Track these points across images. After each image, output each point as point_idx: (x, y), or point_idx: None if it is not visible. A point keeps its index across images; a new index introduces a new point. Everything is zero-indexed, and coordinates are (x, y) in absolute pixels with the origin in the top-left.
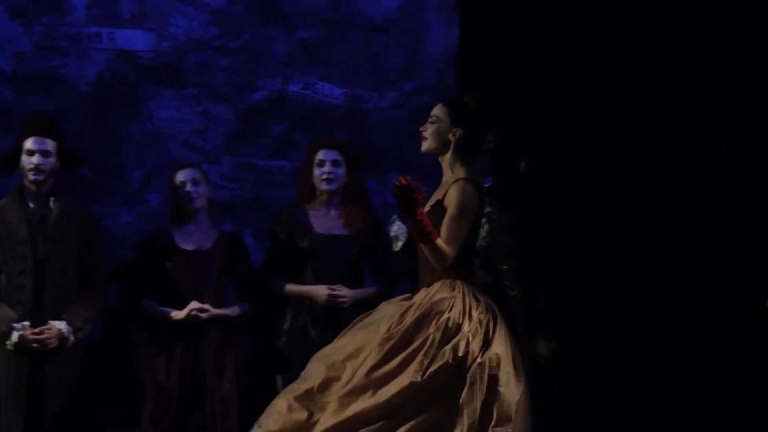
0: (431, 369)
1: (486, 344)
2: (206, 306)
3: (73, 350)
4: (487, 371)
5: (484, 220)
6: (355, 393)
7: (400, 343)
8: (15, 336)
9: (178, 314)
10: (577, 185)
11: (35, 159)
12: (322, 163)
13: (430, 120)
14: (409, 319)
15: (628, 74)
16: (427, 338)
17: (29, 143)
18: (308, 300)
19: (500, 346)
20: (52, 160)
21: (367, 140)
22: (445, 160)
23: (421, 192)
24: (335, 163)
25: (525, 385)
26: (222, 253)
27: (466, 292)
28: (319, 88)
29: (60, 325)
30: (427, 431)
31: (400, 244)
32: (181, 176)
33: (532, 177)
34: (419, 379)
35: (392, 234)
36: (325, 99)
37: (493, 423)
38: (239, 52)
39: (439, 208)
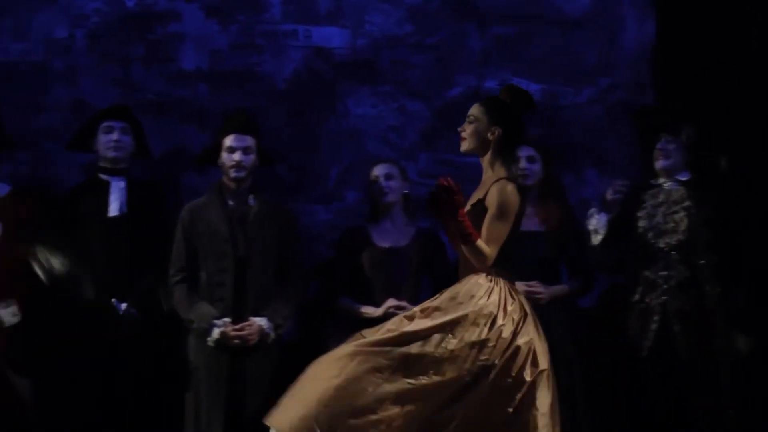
0: (453, 347)
1: (514, 337)
2: (403, 303)
3: (273, 347)
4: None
5: (683, 214)
6: (379, 344)
7: (432, 312)
8: (216, 333)
9: (375, 311)
10: None
11: (237, 156)
12: (518, 160)
13: (468, 120)
14: (445, 295)
15: None
16: (460, 316)
17: (230, 140)
18: None
19: (524, 336)
20: (252, 157)
21: (564, 136)
22: (485, 159)
23: (461, 194)
24: (530, 159)
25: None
26: (418, 250)
27: (502, 287)
28: (515, 84)
29: (261, 322)
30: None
31: (599, 237)
32: (375, 171)
33: (732, 172)
34: (437, 352)
35: (591, 228)
36: None
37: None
38: (435, 48)
39: (480, 207)
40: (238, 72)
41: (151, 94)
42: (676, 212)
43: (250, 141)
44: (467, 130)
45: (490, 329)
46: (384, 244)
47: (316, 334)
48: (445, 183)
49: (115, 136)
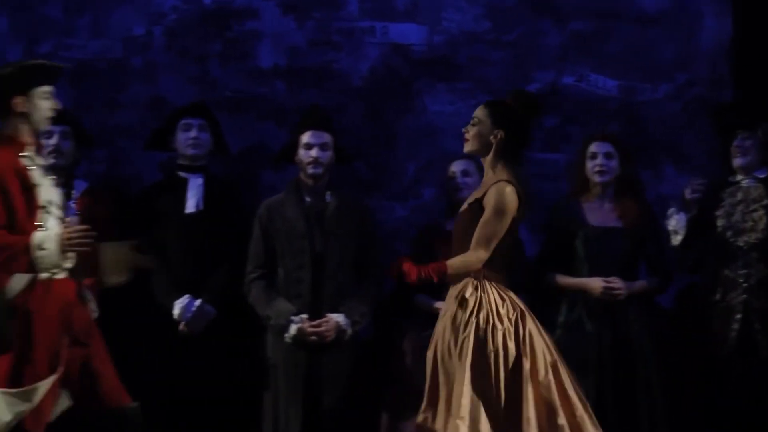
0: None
1: (519, 340)
2: None
3: (349, 344)
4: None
5: (762, 212)
6: None
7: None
8: (293, 329)
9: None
10: None
11: (314, 152)
12: (594, 156)
13: (472, 121)
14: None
15: None
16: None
17: (307, 137)
18: (583, 293)
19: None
20: (329, 153)
21: (641, 132)
22: (487, 161)
23: (407, 263)
24: (608, 156)
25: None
26: None
27: (490, 291)
28: (592, 80)
29: (338, 318)
30: None
31: (678, 238)
32: (453, 167)
33: None
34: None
35: (671, 228)
36: (598, 91)
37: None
38: (512, 45)
39: (477, 207)
40: (315, 69)
41: (228, 92)
42: (754, 210)
43: (327, 137)
44: (471, 132)
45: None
46: None
47: (392, 332)
48: (395, 271)
49: (193, 133)
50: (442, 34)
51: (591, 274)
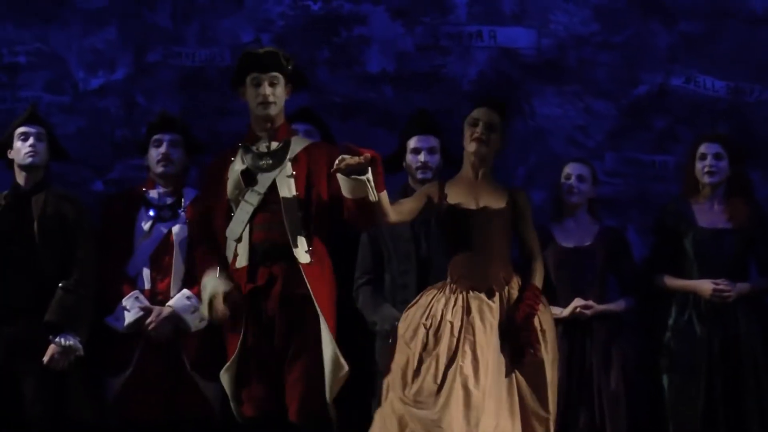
0: None
1: None
2: (590, 302)
3: None
4: None
5: None
6: None
7: None
8: None
9: (561, 312)
10: None
11: (422, 157)
12: (704, 157)
13: (485, 125)
14: None
15: None
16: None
17: (414, 141)
18: (693, 295)
19: None
20: (437, 157)
21: (751, 133)
22: (490, 167)
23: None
24: (717, 156)
25: None
26: (603, 249)
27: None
28: (701, 81)
29: None
30: None
31: None
32: (568, 169)
33: None
34: None
35: None
36: (707, 92)
37: None
38: (621, 47)
39: (509, 211)
40: (423, 74)
41: (336, 97)
42: None
43: (434, 141)
44: (491, 137)
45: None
46: (568, 243)
47: None
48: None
49: None
50: (550, 37)
51: (701, 276)
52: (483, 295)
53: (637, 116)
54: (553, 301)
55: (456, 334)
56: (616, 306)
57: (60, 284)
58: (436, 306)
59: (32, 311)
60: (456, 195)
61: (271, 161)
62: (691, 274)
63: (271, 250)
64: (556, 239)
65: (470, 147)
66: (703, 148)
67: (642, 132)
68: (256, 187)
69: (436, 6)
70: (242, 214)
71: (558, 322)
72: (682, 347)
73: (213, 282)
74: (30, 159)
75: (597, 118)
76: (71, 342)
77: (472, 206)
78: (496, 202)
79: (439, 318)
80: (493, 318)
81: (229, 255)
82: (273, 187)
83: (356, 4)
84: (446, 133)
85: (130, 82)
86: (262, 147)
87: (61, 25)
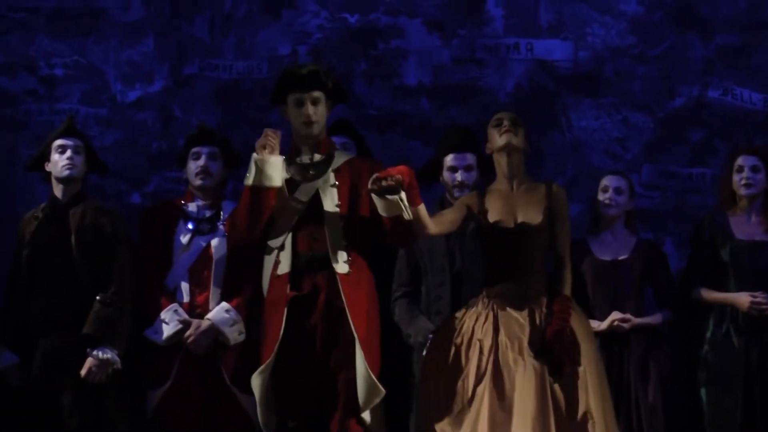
0: None
1: None
2: (628, 316)
3: None
4: None
5: None
6: None
7: None
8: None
9: (599, 326)
10: None
11: (459, 176)
12: (740, 169)
13: (516, 122)
14: None
15: None
16: None
17: (450, 160)
18: (730, 307)
19: None
20: (474, 174)
21: None
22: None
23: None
24: (754, 169)
25: None
26: (640, 262)
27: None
28: (738, 93)
29: None
30: None
31: None
32: (605, 182)
33: None
34: None
35: None
36: (744, 104)
37: None
38: (658, 59)
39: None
40: (460, 86)
41: (373, 110)
42: None
43: (470, 158)
44: (520, 133)
45: None
46: (605, 256)
47: None
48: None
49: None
50: (587, 50)
51: (738, 288)
52: (515, 312)
53: (674, 128)
54: (591, 314)
55: (486, 353)
56: (654, 319)
57: (97, 297)
58: (468, 323)
59: (70, 324)
60: (494, 211)
61: (314, 172)
62: (728, 287)
63: (313, 259)
64: (594, 252)
65: (501, 141)
66: (740, 161)
67: (679, 144)
68: (299, 196)
69: (472, 18)
70: (285, 222)
71: (596, 335)
72: (720, 360)
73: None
74: (67, 172)
75: (634, 131)
76: (109, 355)
77: (511, 224)
78: (534, 214)
79: (470, 336)
80: (523, 335)
81: (269, 261)
82: (316, 197)
83: (393, 17)
84: (483, 146)
85: (167, 94)
86: (305, 159)
87: (99, 37)
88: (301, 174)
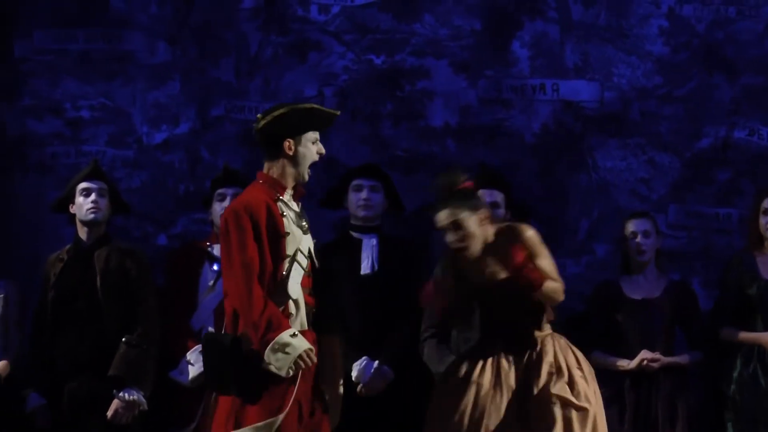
0: None
1: None
2: (657, 355)
3: None
4: None
5: None
6: None
7: None
8: None
9: (629, 364)
10: None
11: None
12: (766, 212)
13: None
14: None
15: None
16: None
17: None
18: (758, 347)
19: None
20: (501, 212)
21: None
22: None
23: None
24: None
25: None
26: (671, 302)
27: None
28: (764, 134)
29: None
30: None
31: None
32: (632, 226)
33: None
34: None
35: None
36: None
37: None
38: (684, 100)
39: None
40: (486, 127)
41: (399, 151)
42: None
43: (497, 196)
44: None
45: None
46: (636, 296)
47: None
48: None
49: (364, 194)
50: (613, 90)
51: (765, 328)
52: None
53: (701, 169)
54: (621, 352)
55: (482, 395)
56: (683, 359)
57: (123, 339)
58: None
59: (96, 366)
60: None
61: (306, 224)
62: (755, 327)
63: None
64: (624, 291)
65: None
66: (765, 203)
67: (705, 185)
68: (302, 248)
69: (499, 59)
70: (297, 275)
71: (625, 373)
72: (747, 399)
73: (299, 340)
74: (92, 215)
75: (660, 171)
76: (135, 396)
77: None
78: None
79: (473, 380)
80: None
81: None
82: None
83: (419, 58)
84: (512, 186)
85: (193, 136)
86: (292, 204)
87: (125, 80)
88: (297, 223)
